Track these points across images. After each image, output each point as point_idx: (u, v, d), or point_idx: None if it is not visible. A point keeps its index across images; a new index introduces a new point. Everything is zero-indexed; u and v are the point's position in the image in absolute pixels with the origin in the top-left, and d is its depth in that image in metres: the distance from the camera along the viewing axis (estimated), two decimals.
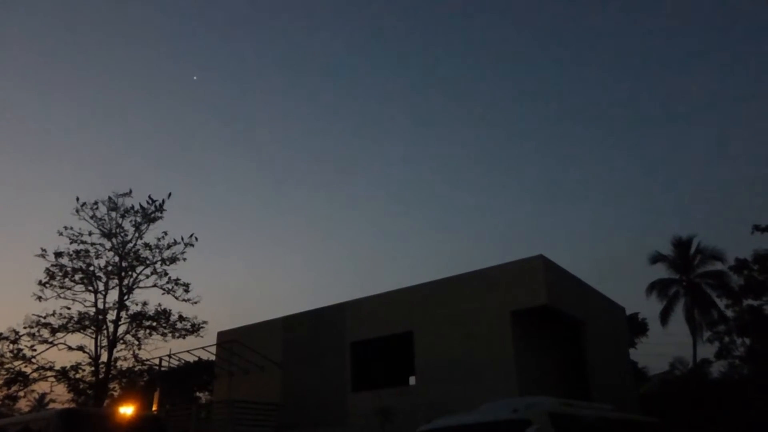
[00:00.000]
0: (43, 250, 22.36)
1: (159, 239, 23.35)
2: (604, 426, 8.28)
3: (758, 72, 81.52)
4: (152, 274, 23.33)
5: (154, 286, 23.36)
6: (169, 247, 23.38)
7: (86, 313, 22.40)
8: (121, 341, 22.75)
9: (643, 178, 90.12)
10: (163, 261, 23.32)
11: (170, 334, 23.40)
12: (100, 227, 23.02)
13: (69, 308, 22.31)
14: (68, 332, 22.07)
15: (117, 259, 23.05)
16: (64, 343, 22.03)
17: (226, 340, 22.39)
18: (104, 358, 22.22)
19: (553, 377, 17.75)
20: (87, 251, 22.73)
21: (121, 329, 22.79)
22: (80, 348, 22.05)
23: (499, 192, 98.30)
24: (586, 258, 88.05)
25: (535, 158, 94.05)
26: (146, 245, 23.28)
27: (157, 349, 26.04)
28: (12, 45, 66.34)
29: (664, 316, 36.20)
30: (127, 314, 22.92)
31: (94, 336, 22.28)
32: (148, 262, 23.31)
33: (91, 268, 22.71)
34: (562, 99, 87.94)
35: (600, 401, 13.38)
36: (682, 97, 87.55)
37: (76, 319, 22.16)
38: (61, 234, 22.61)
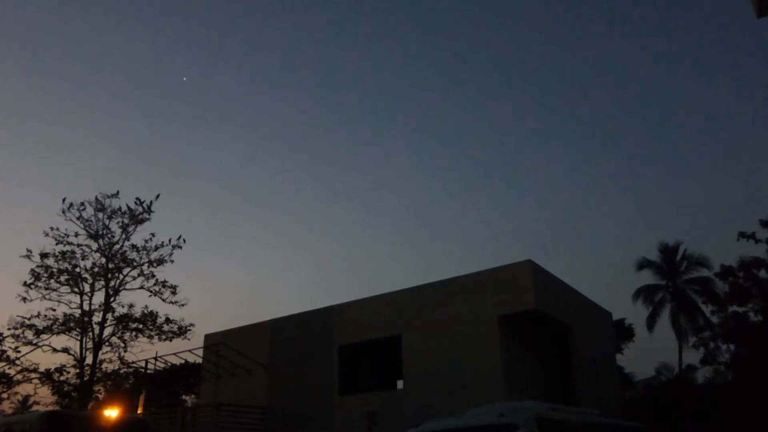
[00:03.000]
0: (29, 250, 22.21)
1: (146, 241, 23.28)
2: (590, 430, 8.33)
3: (752, 77, 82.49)
4: (139, 275, 23.24)
5: (141, 288, 23.27)
6: (156, 248, 23.30)
7: (72, 314, 22.26)
8: (107, 343, 22.61)
9: (630, 184, 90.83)
10: (150, 263, 23.22)
11: (157, 337, 23.31)
12: (87, 228, 22.90)
13: (54, 310, 22.18)
14: (53, 334, 21.92)
15: (103, 260, 22.92)
16: (49, 345, 21.89)
17: (213, 342, 22.28)
18: (89, 360, 22.07)
19: (540, 382, 17.80)
20: (73, 252, 22.59)
21: (107, 331, 22.67)
22: (65, 350, 21.89)
23: (489, 196, 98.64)
24: (574, 263, 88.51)
25: (528, 162, 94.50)
26: (133, 247, 23.19)
27: (143, 351, 25.95)
28: (3, 42, 65.78)
29: (651, 322, 36.45)
30: (113, 316, 22.80)
31: (79, 338, 22.13)
32: (135, 263, 23.20)
33: (77, 270, 22.57)
34: (556, 102, 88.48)
35: (586, 406, 13.43)
36: (674, 102, 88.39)
37: (61, 320, 22.00)
38: (47, 235, 22.47)
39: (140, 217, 23.31)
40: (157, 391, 29.58)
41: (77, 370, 21.91)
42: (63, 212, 22.66)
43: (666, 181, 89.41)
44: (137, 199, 23.34)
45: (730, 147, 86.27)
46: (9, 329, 21.63)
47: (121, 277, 23.13)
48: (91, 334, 22.30)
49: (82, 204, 22.88)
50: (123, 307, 23.05)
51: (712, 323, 30.62)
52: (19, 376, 21.80)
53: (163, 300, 23.30)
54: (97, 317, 22.54)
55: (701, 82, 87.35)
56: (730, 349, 27.54)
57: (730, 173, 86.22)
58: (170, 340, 23.55)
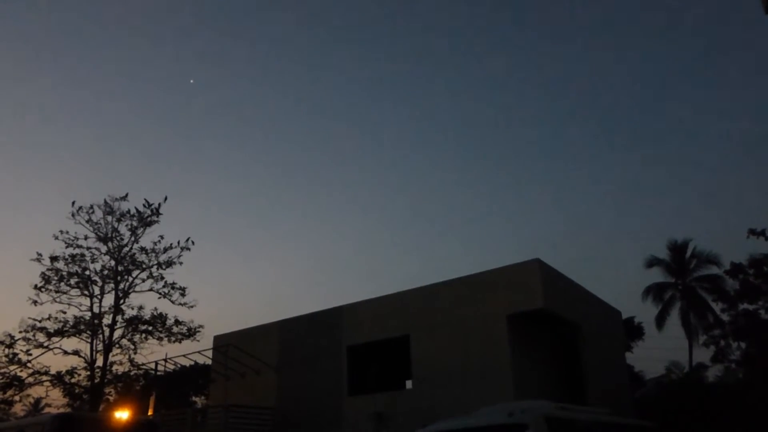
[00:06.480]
0: (39, 254, 22.33)
1: (155, 243, 23.36)
2: (600, 429, 8.31)
3: (757, 74, 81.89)
4: (148, 278, 23.33)
5: (150, 290, 23.35)
6: (165, 251, 23.38)
7: (82, 317, 22.38)
8: (117, 345, 22.71)
9: (639, 182, 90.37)
10: (159, 265, 23.31)
11: (166, 338, 23.40)
12: (96, 231, 23.02)
13: (65, 312, 22.32)
14: (64, 336, 22.03)
15: (113, 263, 23.02)
16: (60, 348, 22.00)
17: (222, 344, 22.36)
18: (100, 362, 22.19)
19: (550, 381, 17.75)
20: (83, 255, 22.70)
21: (117, 333, 22.78)
22: (76, 352, 22.00)
23: (497, 195, 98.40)
24: (582, 261, 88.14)
25: (536, 160, 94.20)
26: (142, 249, 23.27)
27: (153, 353, 26.12)
28: (9, 43, 66.21)
29: (660, 320, 36.29)
30: (122, 318, 22.91)
31: (89, 340, 22.24)
32: (144, 266, 23.30)
33: (87, 273, 22.69)
34: (566, 99, 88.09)
35: (596, 405, 13.39)
36: (681, 99, 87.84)
37: (71, 323, 22.12)
38: (56, 238, 22.59)
39: (149, 219, 23.42)
40: (167, 392, 29.71)
41: (88, 373, 22.03)
42: (72, 215, 22.81)
43: (675, 179, 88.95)
44: (146, 201, 23.47)
45: (740, 144, 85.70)
46: (20, 332, 21.77)
47: (130, 279, 23.25)
48: (101, 336, 22.42)
49: (91, 207, 23.02)
50: (132, 309, 23.17)
51: (723, 321, 30.45)
52: (31, 379, 21.93)
53: (173, 302, 23.39)
54: (107, 319, 22.66)
55: (710, 79, 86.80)
56: (740, 347, 27.35)
57: (740, 170, 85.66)
58: (180, 342, 23.64)
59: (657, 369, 43.18)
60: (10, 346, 21.53)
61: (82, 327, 22.20)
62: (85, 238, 22.84)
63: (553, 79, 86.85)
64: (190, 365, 26.24)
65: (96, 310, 22.54)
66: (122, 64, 74.16)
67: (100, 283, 22.84)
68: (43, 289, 22.22)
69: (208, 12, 77.89)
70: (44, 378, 21.98)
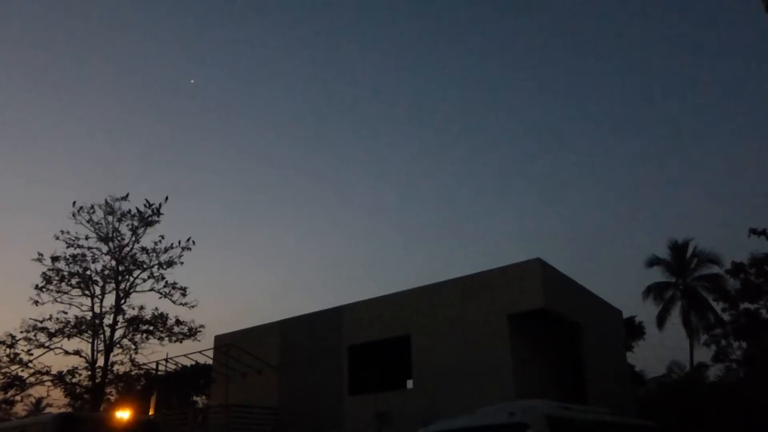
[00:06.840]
0: (40, 254, 22.35)
1: (156, 243, 23.36)
2: (601, 429, 8.33)
3: (758, 74, 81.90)
4: (149, 278, 23.33)
5: (151, 290, 23.36)
6: (165, 250, 23.39)
7: (83, 317, 22.39)
8: (118, 345, 22.72)
9: (640, 181, 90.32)
10: (160, 265, 23.31)
11: (167, 338, 23.41)
12: (97, 231, 23.03)
13: (66, 312, 22.33)
14: (65, 336, 22.05)
15: (114, 263, 23.04)
16: (61, 348, 22.02)
17: (223, 343, 22.38)
18: (101, 362, 22.21)
19: (550, 381, 17.77)
20: (84, 255, 22.72)
21: (118, 333, 22.79)
22: (77, 352, 22.02)
23: (498, 195, 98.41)
24: (583, 261, 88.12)
25: (536, 159, 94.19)
26: (143, 249, 23.28)
27: (154, 353, 26.01)
28: (10, 45, 66.29)
29: (661, 320, 36.29)
30: (123, 318, 22.91)
31: (90, 340, 22.25)
32: (145, 266, 23.30)
33: (88, 273, 22.70)
34: (564, 98, 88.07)
35: (597, 404, 13.40)
36: (681, 98, 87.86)
37: (72, 323, 22.14)
38: (57, 238, 22.61)
39: (149, 219, 23.42)
40: (168, 392, 29.71)
41: (89, 373, 22.05)
42: (73, 215, 22.80)
43: (675, 178, 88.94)
44: (146, 201, 23.48)
45: (740, 143, 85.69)
46: (22, 332, 21.79)
47: (131, 279, 23.25)
48: (102, 336, 22.44)
49: (92, 207, 23.02)
50: (133, 309, 23.16)
51: (723, 320, 30.47)
52: (32, 379, 21.96)
53: (173, 302, 23.39)
54: (108, 320, 22.68)
55: (710, 79, 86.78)
56: (741, 347, 27.38)
57: (740, 170, 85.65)
58: (181, 342, 23.65)
59: (658, 368, 43.17)
60: (12, 346, 21.56)
61: (83, 327, 22.22)
62: (86, 238, 22.87)
63: (553, 79, 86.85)
64: (191, 365, 26.24)
65: (97, 310, 22.58)
66: (122, 63, 74.21)
67: (101, 283, 22.87)
68: (44, 290, 22.24)
69: (209, 12, 77.90)
70: (45, 378, 22.01)
